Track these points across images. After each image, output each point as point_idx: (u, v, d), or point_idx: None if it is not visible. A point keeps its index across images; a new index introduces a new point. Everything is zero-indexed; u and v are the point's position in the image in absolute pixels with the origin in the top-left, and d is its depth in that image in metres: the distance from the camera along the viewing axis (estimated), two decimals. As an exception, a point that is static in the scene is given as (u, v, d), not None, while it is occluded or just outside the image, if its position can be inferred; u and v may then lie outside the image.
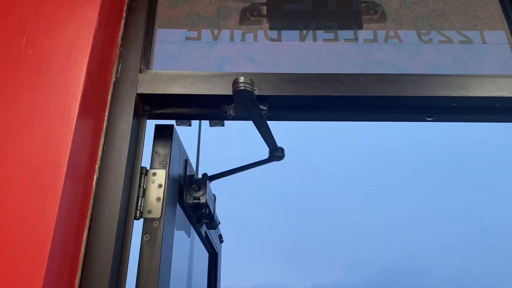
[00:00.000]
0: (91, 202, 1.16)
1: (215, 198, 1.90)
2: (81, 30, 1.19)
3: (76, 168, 1.07)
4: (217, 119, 1.46)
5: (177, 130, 1.57)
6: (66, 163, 1.01)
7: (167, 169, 1.32)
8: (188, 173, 1.60)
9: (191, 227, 1.77)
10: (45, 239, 0.92)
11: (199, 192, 1.58)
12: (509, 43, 1.64)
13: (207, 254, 2.27)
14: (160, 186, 1.30)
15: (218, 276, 2.34)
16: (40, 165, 1.00)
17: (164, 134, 1.39)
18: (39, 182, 0.98)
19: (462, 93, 1.36)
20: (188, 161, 1.61)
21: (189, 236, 1.77)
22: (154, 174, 1.32)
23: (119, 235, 1.16)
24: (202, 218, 1.80)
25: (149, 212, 1.26)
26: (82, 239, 1.10)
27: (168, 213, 1.30)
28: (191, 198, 1.57)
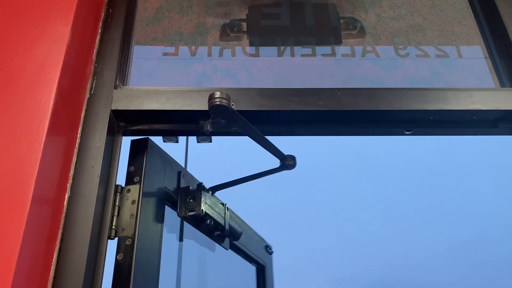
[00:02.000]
0: (62, 222, 1.12)
1: (226, 208, 1.73)
2: (53, 46, 1.17)
3: (45, 187, 1.03)
4: (195, 135, 1.44)
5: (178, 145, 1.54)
6: (33, 182, 0.98)
7: (141, 183, 1.29)
8: (183, 185, 1.53)
9: (203, 241, 1.71)
10: (9, 262, 0.88)
11: (194, 203, 1.49)
12: (485, 57, 1.66)
13: (246, 268, 2.19)
14: (133, 202, 1.27)
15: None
16: (6, 184, 0.96)
17: (138, 149, 1.36)
18: (3, 203, 0.94)
19: (439, 106, 1.37)
20: (181, 173, 1.55)
21: (201, 251, 1.73)
22: (128, 190, 1.29)
23: (91, 256, 1.13)
24: (211, 230, 1.65)
25: (123, 230, 1.23)
26: (51, 261, 1.06)
27: (144, 230, 1.26)
28: (186, 210, 1.48)
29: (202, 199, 1.48)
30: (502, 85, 1.53)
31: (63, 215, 1.13)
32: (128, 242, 1.21)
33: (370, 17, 1.78)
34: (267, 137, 1.48)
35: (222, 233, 1.66)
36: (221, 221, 1.62)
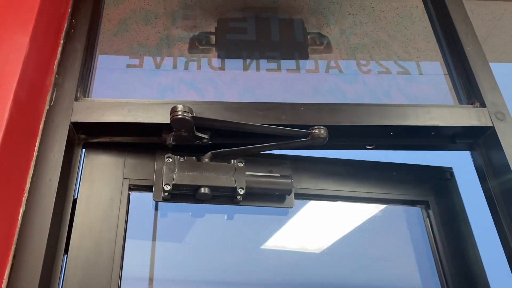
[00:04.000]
0: (16, 237, 1.09)
1: (237, 164, 1.37)
2: (10, 56, 1.15)
3: (-3, 201, 1.00)
4: (158, 148, 1.42)
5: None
6: (-16, 197, 0.95)
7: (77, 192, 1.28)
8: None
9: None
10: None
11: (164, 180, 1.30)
12: (444, 74, 1.72)
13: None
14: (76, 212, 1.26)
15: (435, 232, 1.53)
16: (-46, 199, 0.93)
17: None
18: (-50, 218, 0.91)
19: (398, 122, 1.40)
20: (160, 156, 1.36)
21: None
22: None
23: (45, 272, 1.09)
24: (227, 197, 1.36)
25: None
26: (2, 279, 1.02)
27: (85, 239, 1.24)
28: (160, 193, 1.30)
29: (171, 172, 1.30)
30: (460, 102, 1.58)
31: (17, 230, 1.10)
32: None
33: (334, 33, 1.82)
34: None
35: (233, 194, 1.34)
36: (227, 183, 1.32)
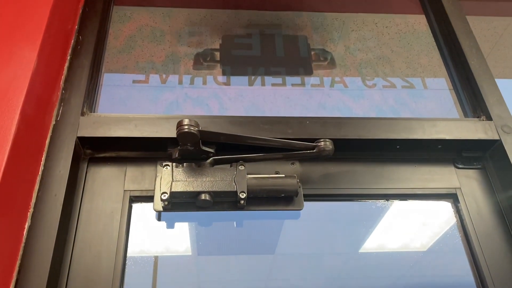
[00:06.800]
0: (21, 252, 1.08)
1: (238, 168, 1.31)
2: (18, 71, 1.16)
3: (3, 216, 1.00)
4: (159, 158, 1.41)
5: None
6: (-10, 211, 0.94)
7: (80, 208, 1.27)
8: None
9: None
10: (-42, 296, 0.83)
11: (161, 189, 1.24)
12: (449, 89, 1.72)
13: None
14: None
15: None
16: (-40, 213, 0.92)
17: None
18: (-45, 232, 0.90)
19: (405, 135, 1.40)
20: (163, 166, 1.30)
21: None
22: None
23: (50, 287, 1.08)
24: (231, 203, 1.30)
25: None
26: (6, 295, 1.01)
27: (84, 253, 1.22)
28: (160, 203, 1.26)
29: (168, 180, 1.25)
30: (466, 115, 1.58)
31: (22, 245, 1.09)
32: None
33: (338, 48, 1.83)
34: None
35: (236, 199, 1.27)
36: (227, 187, 1.26)
